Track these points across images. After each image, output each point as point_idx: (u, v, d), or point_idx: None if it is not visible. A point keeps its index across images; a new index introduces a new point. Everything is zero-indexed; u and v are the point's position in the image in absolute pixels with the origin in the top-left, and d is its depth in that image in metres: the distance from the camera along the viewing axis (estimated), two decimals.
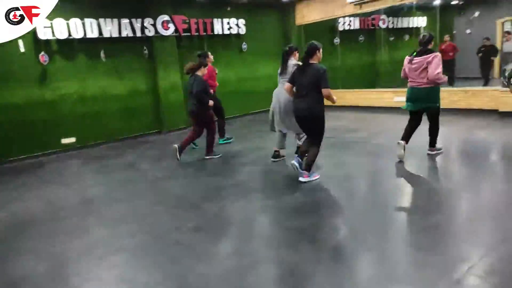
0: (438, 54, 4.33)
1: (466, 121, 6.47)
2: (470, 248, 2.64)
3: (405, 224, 3.19)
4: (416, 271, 2.41)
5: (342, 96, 9.36)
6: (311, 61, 4.08)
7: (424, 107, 4.53)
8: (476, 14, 11.93)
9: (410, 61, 4.48)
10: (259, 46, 9.73)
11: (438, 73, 4.25)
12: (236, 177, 4.80)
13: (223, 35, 9.01)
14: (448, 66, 9.99)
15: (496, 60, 11.20)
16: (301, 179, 4.17)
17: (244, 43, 9.44)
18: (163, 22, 7.85)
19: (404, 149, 4.61)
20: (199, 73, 5.48)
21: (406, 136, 4.70)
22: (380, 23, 11.46)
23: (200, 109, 5.43)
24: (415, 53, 4.49)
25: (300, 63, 4.25)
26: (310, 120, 4.15)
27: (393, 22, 11.84)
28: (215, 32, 8.81)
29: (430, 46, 4.45)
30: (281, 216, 3.51)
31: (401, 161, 4.62)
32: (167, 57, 8.13)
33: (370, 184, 4.25)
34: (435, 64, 4.25)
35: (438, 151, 4.78)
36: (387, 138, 5.83)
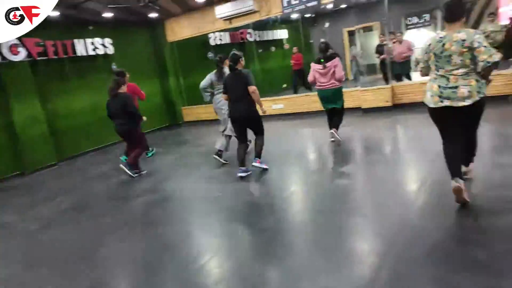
0: (338, 58, 5.33)
1: None
2: (372, 243, 2.84)
3: (309, 226, 3.27)
4: (330, 273, 2.46)
5: None
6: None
7: (335, 105, 5.49)
8: (327, 24, 13.54)
9: (323, 67, 5.27)
10: (130, 65, 9.08)
11: (343, 73, 5.33)
12: (128, 212, 4.31)
13: (88, 56, 8.19)
14: (301, 75, 10.96)
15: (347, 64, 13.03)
16: (254, 163, 4.71)
17: (113, 64, 8.74)
18: (10, 47, 6.68)
19: (334, 134, 5.49)
20: (121, 91, 5.37)
21: (332, 125, 5.62)
22: (248, 37, 12.02)
23: (131, 126, 5.41)
24: (322, 60, 5.27)
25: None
26: (251, 120, 4.68)
27: (259, 36, 12.56)
28: (78, 54, 7.94)
29: (329, 51, 5.34)
30: (186, 252, 3.25)
31: (333, 141, 5.57)
32: (21, 87, 6.95)
33: (268, 191, 4.30)
34: (340, 67, 5.26)
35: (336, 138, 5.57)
36: (275, 146, 6.05)
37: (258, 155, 4.75)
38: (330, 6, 11.24)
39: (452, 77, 2.95)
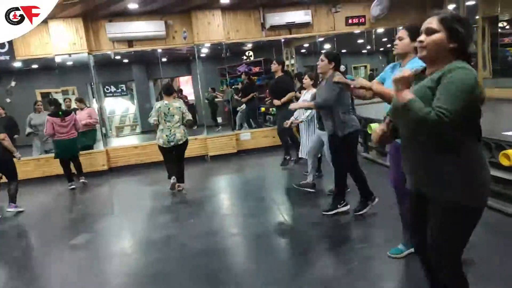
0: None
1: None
2: None
3: None
4: None
5: None
6: None
7: (74, 153, 6.33)
8: (13, 83, 11.94)
9: (62, 120, 6.04)
10: None
11: (83, 124, 6.65)
12: None
13: None
14: None
15: None
16: (9, 209, 5.09)
17: None
18: None
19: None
20: None
21: (69, 176, 6.27)
22: None
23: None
24: (61, 113, 6.09)
25: None
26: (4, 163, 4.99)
27: None
28: None
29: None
30: None
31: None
32: None
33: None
34: (78, 120, 6.40)
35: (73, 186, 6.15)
36: None
37: (12, 199, 5.11)
38: (19, 64, 10.20)
39: (173, 128, 5.13)
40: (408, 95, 1.52)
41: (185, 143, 5.32)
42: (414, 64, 2.47)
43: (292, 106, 4.35)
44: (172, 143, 5.15)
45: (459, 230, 1.64)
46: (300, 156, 5.44)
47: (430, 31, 1.58)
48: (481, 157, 1.62)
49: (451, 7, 7.79)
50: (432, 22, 1.58)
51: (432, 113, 1.43)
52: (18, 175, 5.22)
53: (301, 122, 5.12)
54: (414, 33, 2.53)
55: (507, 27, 7.92)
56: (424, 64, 1.70)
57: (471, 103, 1.47)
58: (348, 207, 3.90)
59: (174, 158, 5.34)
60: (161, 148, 5.27)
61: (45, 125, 6.06)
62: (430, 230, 1.71)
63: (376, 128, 1.94)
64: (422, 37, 1.60)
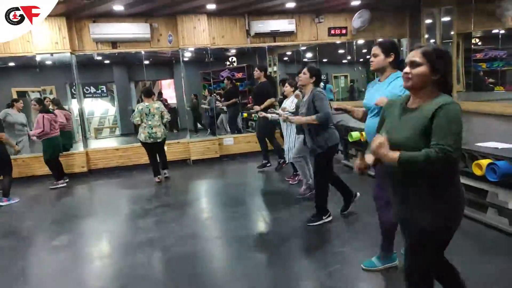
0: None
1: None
2: None
3: None
4: None
5: None
6: None
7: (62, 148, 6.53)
8: None
9: (56, 115, 6.24)
10: None
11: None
12: None
13: None
14: None
15: None
16: (2, 203, 5.40)
17: None
18: None
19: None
20: None
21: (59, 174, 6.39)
22: None
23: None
24: (52, 110, 6.37)
25: None
26: None
27: None
28: None
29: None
30: None
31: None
32: None
33: None
34: (61, 118, 6.70)
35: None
36: None
37: (5, 194, 5.43)
38: None
39: (154, 127, 5.87)
40: (393, 154, 1.61)
41: (164, 140, 6.14)
42: (393, 82, 2.59)
43: (293, 119, 3.97)
44: (152, 139, 5.92)
45: (434, 250, 1.79)
46: (288, 161, 5.49)
47: (414, 64, 1.69)
48: (460, 186, 1.77)
49: (427, 21, 8.14)
50: (415, 55, 1.69)
51: (433, 153, 1.53)
52: None
53: (289, 113, 5.16)
54: (387, 49, 2.64)
55: (479, 43, 8.31)
56: (401, 94, 1.81)
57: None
58: (331, 217, 3.98)
59: (155, 152, 6.14)
60: (143, 143, 6.00)
61: (42, 123, 5.86)
62: (407, 253, 1.85)
63: (355, 164, 2.03)
64: (407, 69, 1.71)
